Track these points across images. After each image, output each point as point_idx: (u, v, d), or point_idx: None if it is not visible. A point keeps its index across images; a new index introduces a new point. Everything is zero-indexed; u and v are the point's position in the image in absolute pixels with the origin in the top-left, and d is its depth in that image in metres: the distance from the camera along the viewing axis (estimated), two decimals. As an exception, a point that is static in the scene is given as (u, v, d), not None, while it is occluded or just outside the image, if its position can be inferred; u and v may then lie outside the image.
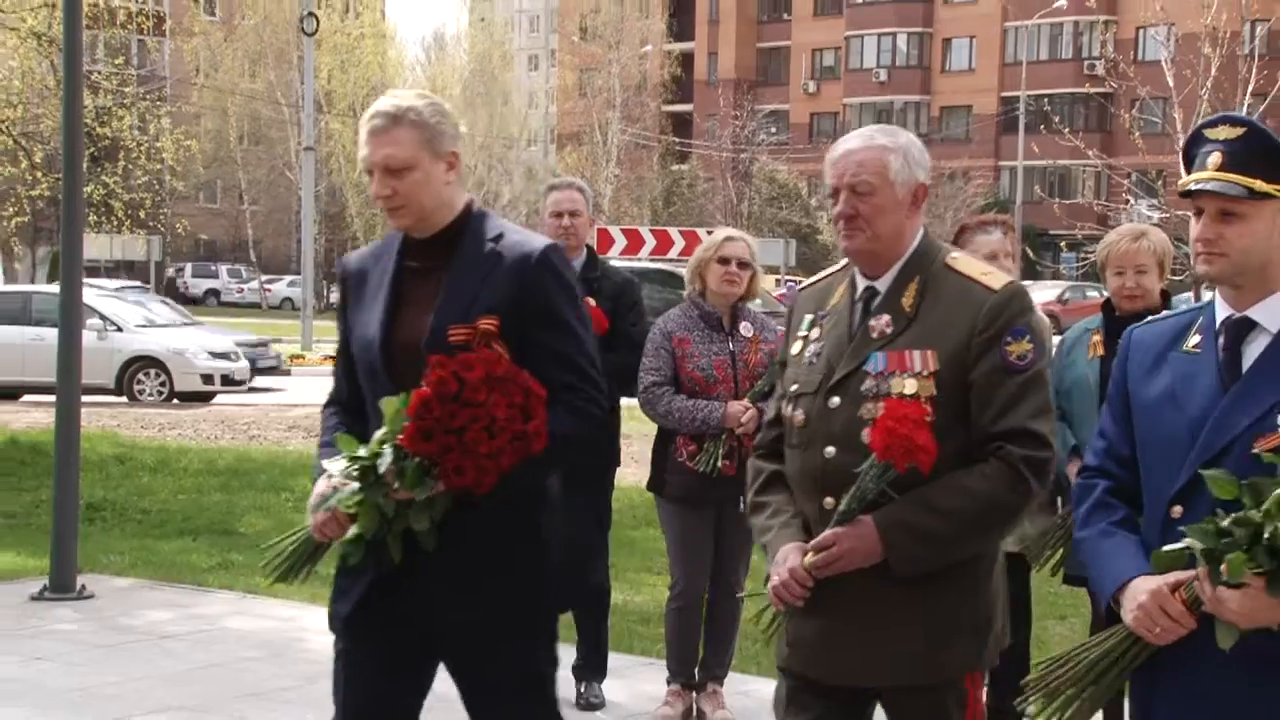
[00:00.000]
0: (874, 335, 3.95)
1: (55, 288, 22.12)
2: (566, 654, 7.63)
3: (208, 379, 27.32)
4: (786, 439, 4.14)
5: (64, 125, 13.88)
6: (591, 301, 7.19)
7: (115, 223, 32.04)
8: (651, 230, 29.01)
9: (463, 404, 3.81)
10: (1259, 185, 3.28)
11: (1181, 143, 19.71)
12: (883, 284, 4.01)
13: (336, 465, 4.09)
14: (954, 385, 3.84)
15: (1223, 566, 3.14)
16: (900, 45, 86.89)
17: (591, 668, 7.80)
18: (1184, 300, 7.48)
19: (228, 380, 27.66)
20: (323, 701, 7.37)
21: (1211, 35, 26.61)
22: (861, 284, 4.05)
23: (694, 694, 7.44)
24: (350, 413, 4.47)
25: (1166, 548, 3.23)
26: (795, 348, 4.17)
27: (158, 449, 17.68)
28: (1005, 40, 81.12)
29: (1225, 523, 3.08)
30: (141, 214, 35.18)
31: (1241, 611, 3.09)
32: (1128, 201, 28.08)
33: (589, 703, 7.69)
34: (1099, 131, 51.98)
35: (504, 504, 4.08)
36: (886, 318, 3.95)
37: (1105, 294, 7.03)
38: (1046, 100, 67.68)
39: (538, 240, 4.34)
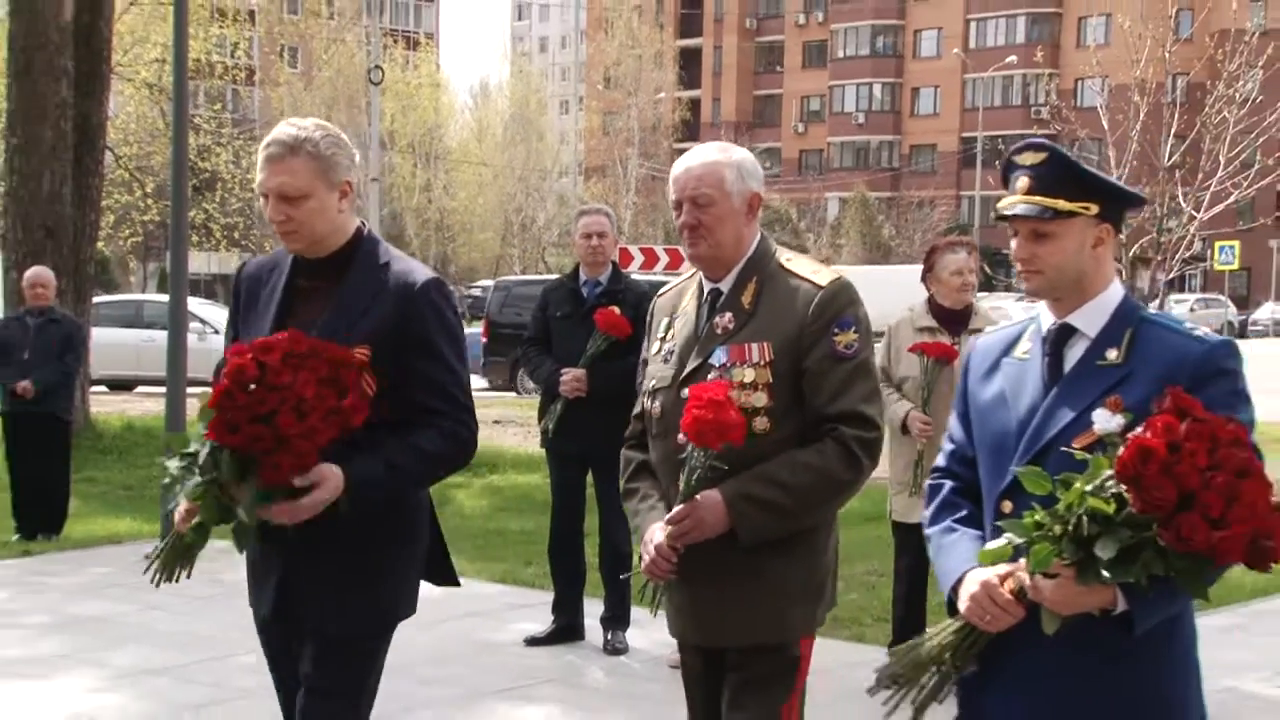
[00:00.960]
0: (718, 331, 3.81)
1: (163, 297, 22.25)
2: (595, 607, 7.73)
3: None
4: (648, 430, 4.02)
5: (172, 160, 13.88)
6: (616, 310, 7.44)
7: (213, 242, 32.26)
8: (665, 249, 28.95)
9: (268, 388, 3.44)
10: (1062, 205, 3.13)
11: (1117, 177, 19.81)
12: (725, 285, 3.87)
13: (173, 461, 3.68)
14: (789, 373, 3.70)
15: (1026, 559, 3.05)
16: (876, 93, 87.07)
17: (616, 619, 7.81)
18: None
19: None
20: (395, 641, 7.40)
21: (1140, 86, 26.44)
22: (707, 286, 3.92)
23: None
24: None
25: (989, 544, 3.09)
26: (654, 348, 4.03)
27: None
28: (964, 89, 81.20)
29: (1038, 517, 2.94)
30: (235, 235, 35.17)
31: (1056, 599, 2.94)
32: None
33: (614, 649, 7.75)
34: (1044, 166, 51.95)
35: (371, 511, 3.75)
36: (729, 315, 3.81)
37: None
38: (1000, 140, 67.70)
39: (422, 272, 3.94)
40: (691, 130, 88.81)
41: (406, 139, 69.51)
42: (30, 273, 12.61)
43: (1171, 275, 24.70)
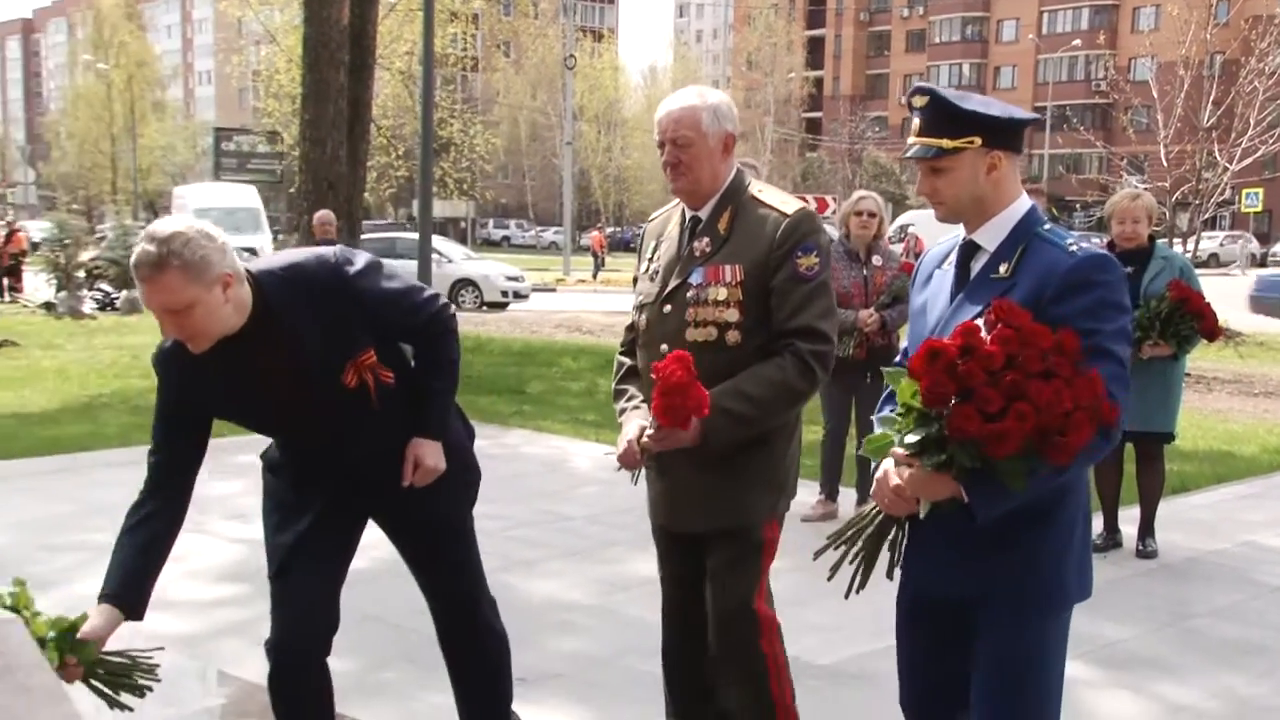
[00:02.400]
0: (696, 254, 3.45)
1: (411, 234, 22.69)
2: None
3: (504, 293, 27.28)
4: (637, 340, 3.67)
5: (422, 130, 14.21)
6: None
7: (447, 192, 32.99)
8: (796, 196, 28.85)
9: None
10: (947, 143, 2.75)
11: (1161, 137, 19.11)
12: (704, 213, 3.48)
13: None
14: (757, 292, 3.35)
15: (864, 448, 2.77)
16: (965, 71, 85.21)
17: None
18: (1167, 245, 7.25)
19: (517, 295, 27.58)
20: (588, 499, 7.55)
21: (1185, 62, 25.72)
22: (688, 214, 3.54)
23: (834, 501, 7.38)
24: None
25: (871, 435, 2.74)
26: (643, 267, 3.68)
27: (474, 338, 17.79)
28: (1037, 68, 79.09)
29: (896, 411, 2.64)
30: (464, 187, 35.79)
31: (912, 485, 2.61)
32: (1122, 176, 27.17)
33: None
34: (1102, 129, 50.55)
35: (442, 423, 3.44)
36: (706, 239, 3.45)
37: (1108, 237, 6.81)
38: (1066, 108, 66.46)
39: (315, 279, 3.15)
40: (815, 102, 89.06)
41: (593, 111, 70.15)
42: (319, 214, 13.15)
43: (1206, 216, 23.92)
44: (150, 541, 3.18)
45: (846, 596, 2.86)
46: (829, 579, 2.84)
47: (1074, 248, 2.70)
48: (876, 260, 7.15)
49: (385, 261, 3.35)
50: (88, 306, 21.87)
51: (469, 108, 40.55)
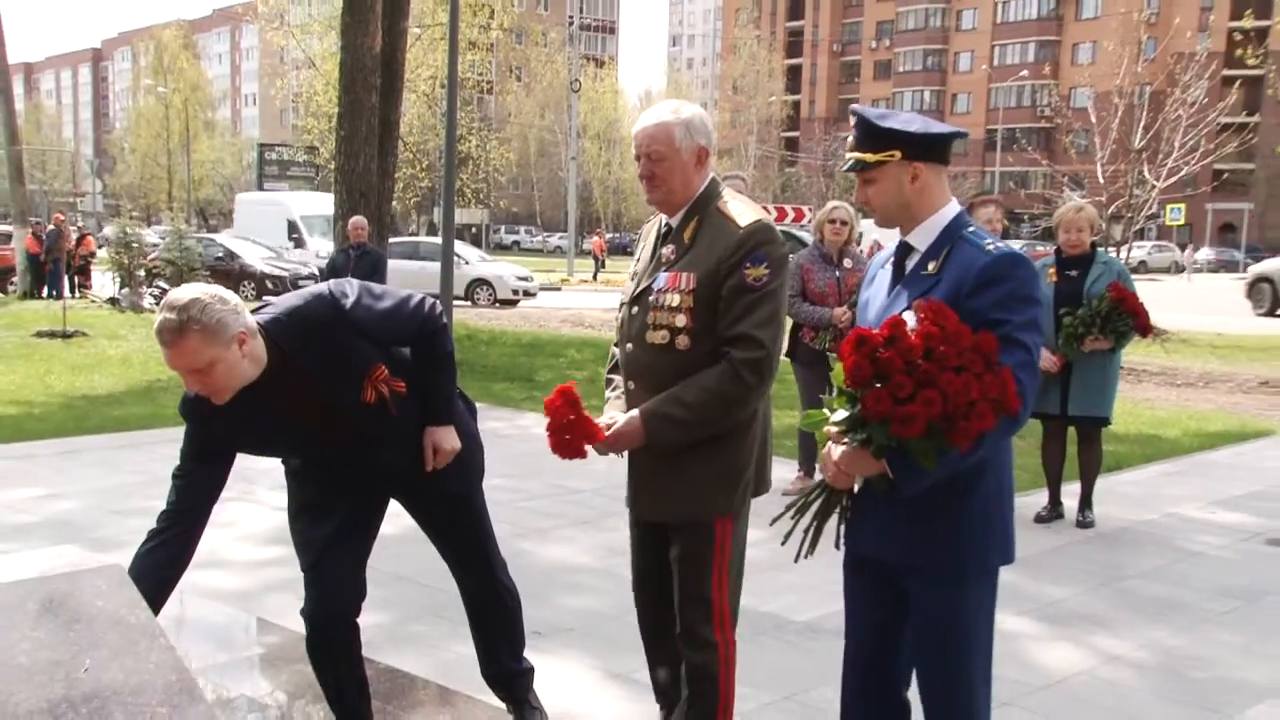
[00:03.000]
0: (663, 260, 3.25)
1: (434, 239, 22.65)
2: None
3: (515, 292, 27.16)
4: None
5: (446, 145, 14.17)
6: None
7: (465, 201, 32.81)
8: (776, 207, 28.77)
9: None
10: (870, 157, 2.71)
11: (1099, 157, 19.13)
12: (675, 221, 3.27)
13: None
14: (707, 300, 3.12)
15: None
16: (925, 97, 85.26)
17: None
18: (1107, 251, 7.24)
19: (526, 293, 27.50)
20: (594, 474, 7.56)
21: (1119, 92, 25.88)
22: (663, 222, 3.33)
23: (811, 477, 7.28)
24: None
25: (809, 410, 2.67)
26: (631, 267, 3.47)
27: (489, 332, 17.85)
28: (989, 95, 79.10)
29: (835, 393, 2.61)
30: (480, 196, 35.74)
31: (845, 461, 2.59)
32: (1064, 192, 27.18)
33: None
34: (1046, 150, 50.56)
35: (449, 409, 3.39)
36: (672, 247, 3.24)
37: (1056, 245, 6.81)
38: (1015, 130, 66.51)
39: (317, 318, 3.12)
40: (793, 123, 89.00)
41: (595, 130, 70.02)
42: (353, 220, 13.10)
43: (1137, 227, 23.98)
44: (166, 564, 3.10)
45: (796, 561, 2.83)
46: (782, 544, 2.81)
47: (991, 247, 2.65)
48: (848, 263, 7.15)
49: (370, 285, 3.28)
50: (147, 301, 21.85)
51: (484, 126, 40.45)
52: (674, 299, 3.16)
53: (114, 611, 2.45)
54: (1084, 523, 6.66)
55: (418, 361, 3.36)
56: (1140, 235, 23.49)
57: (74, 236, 26.89)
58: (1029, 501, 7.03)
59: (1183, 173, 24.14)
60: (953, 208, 2.76)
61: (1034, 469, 7.32)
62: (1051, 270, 6.65)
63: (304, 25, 33.93)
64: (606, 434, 3.17)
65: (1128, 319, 6.40)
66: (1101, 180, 24.97)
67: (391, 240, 16.74)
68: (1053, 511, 6.78)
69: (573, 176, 47.72)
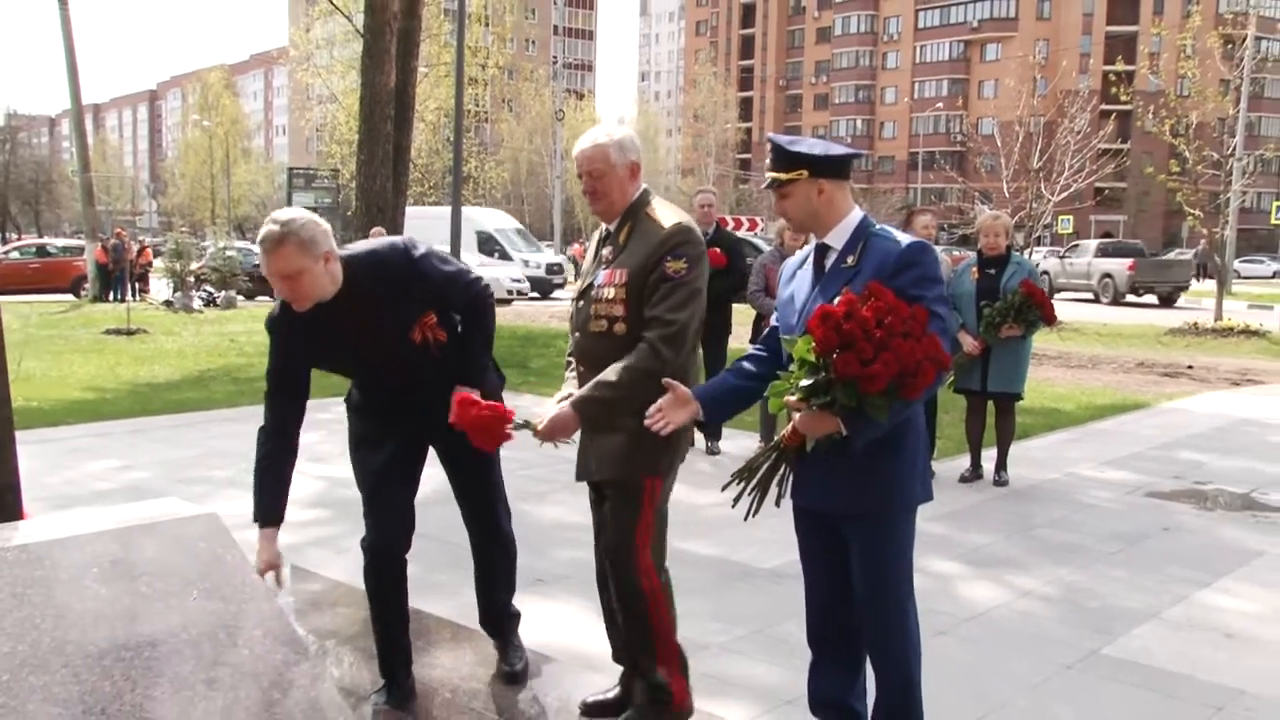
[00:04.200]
0: (603, 260, 3.18)
1: (442, 248, 22.35)
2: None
3: (510, 291, 26.76)
4: None
5: (454, 166, 14.07)
6: (717, 250, 6.95)
7: (466, 213, 32.49)
8: (732, 217, 28.80)
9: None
10: (782, 176, 2.73)
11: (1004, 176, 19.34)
12: (613, 227, 3.19)
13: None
14: (638, 291, 3.04)
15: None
16: (858, 125, 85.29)
17: (713, 434, 7.43)
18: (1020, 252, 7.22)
19: (520, 293, 27.23)
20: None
21: (1018, 121, 26.17)
22: (605, 228, 3.25)
23: None
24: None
25: (774, 384, 2.68)
26: (582, 266, 3.37)
27: (493, 326, 17.81)
28: (911, 123, 79.28)
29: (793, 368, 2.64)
30: (480, 206, 35.46)
31: (802, 425, 2.63)
32: (975, 205, 27.37)
33: (713, 450, 7.33)
34: (959, 170, 50.94)
35: (481, 374, 3.34)
36: (610, 248, 3.17)
37: (977, 248, 6.84)
38: (935, 153, 67.03)
39: (389, 262, 3.16)
40: (746, 146, 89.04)
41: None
42: (374, 230, 13.03)
43: (1036, 235, 24.17)
44: (280, 473, 3.20)
45: (746, 519, 2.84)
46: (732, 506, 2.78)
47: (899, 239, 2.71)
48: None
49: (439, 250, 3.31)
50: (196, 303, 21.72)
51: (482, 150, 40.29)
52: (610, 292, 3.10)
53: (213, 551, 2.55)
54: (1000, 482, 6.69)
55: (464, 329, 3.33)
56: (1038, 242, 23.64)
57: (135, 248, 26.72)
58: (954, 465, 7.06)
59: (1072, 189, 24.41)
60: (858, 212, 2.79)
61: (958, 438, 7.35)
62: (974, 269, 6.67)
63: (328, 66, 33.66)
64: (540, 426, 3.04)
65: (1037, 310, 6.43)
66: (1006, 195, 25.14)
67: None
68: (974, 473, 6.80)
69: (558, 193, 47.66)
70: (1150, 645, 4.08)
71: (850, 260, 2.72)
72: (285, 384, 3.21)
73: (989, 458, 6.87)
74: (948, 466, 7.05)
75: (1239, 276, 39.32)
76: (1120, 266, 27.91)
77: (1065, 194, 24.23)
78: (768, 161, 2.81)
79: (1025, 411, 8.83)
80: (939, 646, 3.92)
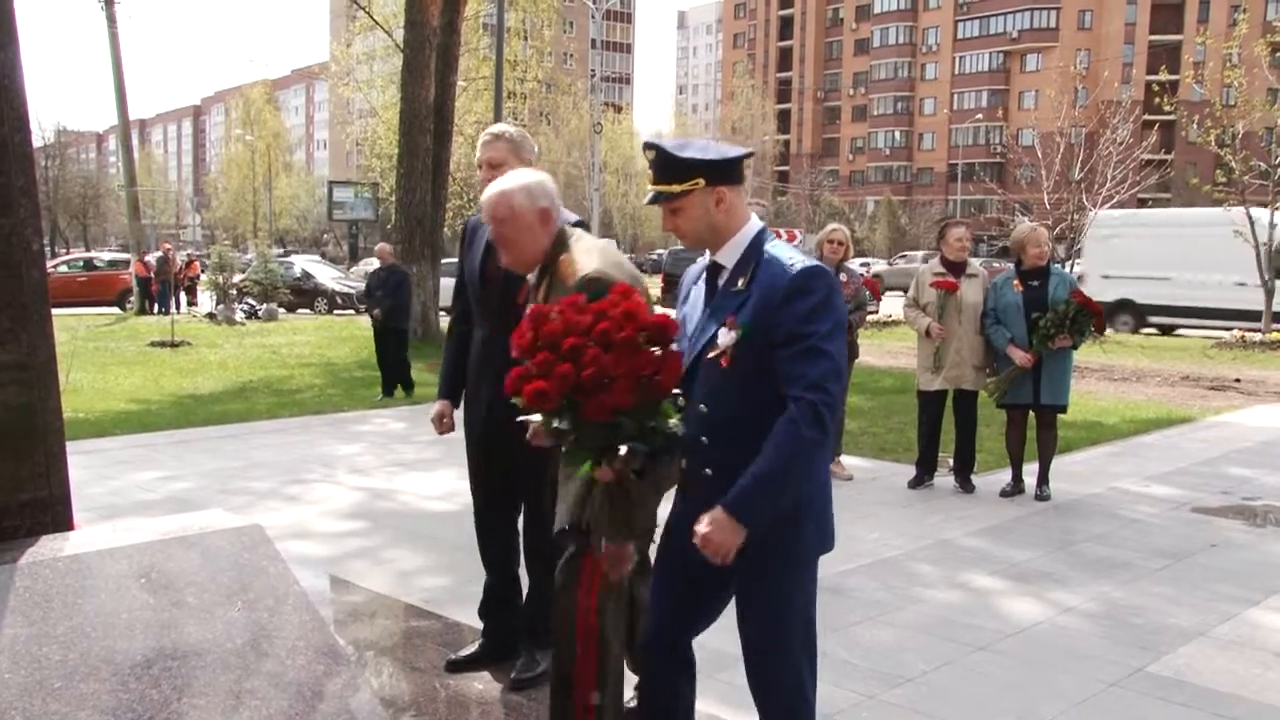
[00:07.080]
0: (536, 298, 2.95)
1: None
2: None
3: None
4: None
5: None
6: None
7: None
8: (771, 230, 28.85)
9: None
10: (675, 188, 2.39)
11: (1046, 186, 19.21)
12: (532, 277, 3.02)
13: None
14: None
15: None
16: (897, 136, 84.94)
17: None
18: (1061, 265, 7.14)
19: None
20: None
21: (1059, 131, 25.95)
22: (532, 278, 3.04)
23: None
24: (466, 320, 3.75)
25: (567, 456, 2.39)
26: None
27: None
28: (950, 134, 78.75)
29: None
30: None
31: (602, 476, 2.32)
32: (1015, 217, 27.15)
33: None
34: (999, 181, 50.45)
35: None
36: (542, 288, 2.94)
37: (1015, 260, 6.74)
38: (974, 165, 66.67)
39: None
40: (784, 159, 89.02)
41: (614, 165, 70.13)
42: (379, 246, 12.38)
43: (1078, 247, 23.94)
44: (461, 352, 3.75)
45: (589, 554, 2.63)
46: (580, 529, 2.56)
47: (791, 262, 2.35)
48: (843, 276, 7.08)
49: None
50: (238, 316, 21.97)
51: (523, 165, 40.55)
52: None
53: (256, 562, 2.60)
54: (1041, 496, 6.62)
55: None
56: (1080, 254, 23.44)
57: (180, 261, 27.15)
58: (995, 479, 6.99)
59: (1114, 200, 24.12)
60: (754, 224, 2.48)
61: (999, 452, 7.29)
62: (1016, 281, 6.62)
63: (368, 80, 34.06)
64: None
65: (1091, 319, 6.39)
66: (1048, 206, 24.90)
67: (443, 260, 16.72)
68: (1015, 487, 6.73)
69: (595, 205, 47.57)
70: (1197, 664, 4.00)
71: (741, 283, 2.39)
72: (462, 286, 3.73)
73: (1030, 471, 6.80)
74: (988, 480, 6.99)
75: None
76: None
77: (1107, 205, 23.97)
78: (650, 174, 2.46)
79: (1067, 425, 8.72)
80: (979, 663, 3.87)
